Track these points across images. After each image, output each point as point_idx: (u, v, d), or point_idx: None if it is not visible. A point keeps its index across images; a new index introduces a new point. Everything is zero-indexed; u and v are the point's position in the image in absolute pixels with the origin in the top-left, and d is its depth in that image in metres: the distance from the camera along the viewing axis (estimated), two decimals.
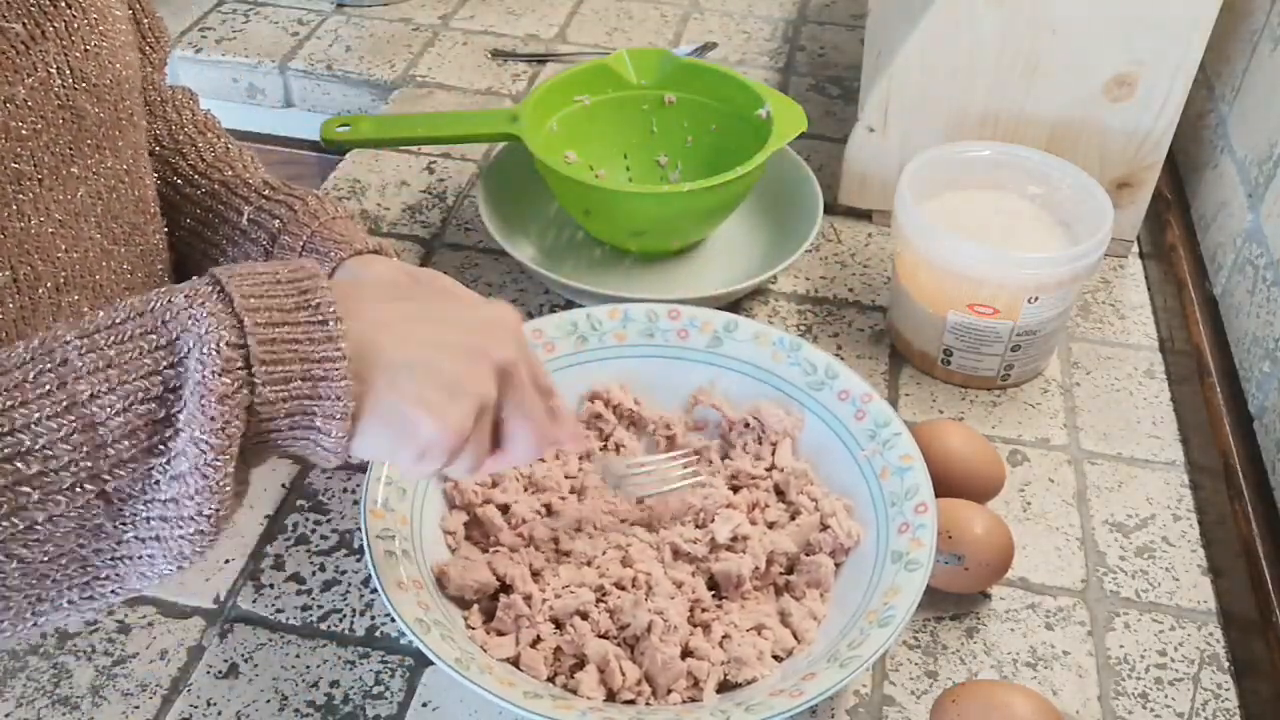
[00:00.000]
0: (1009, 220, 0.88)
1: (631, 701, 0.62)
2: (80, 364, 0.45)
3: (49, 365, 0.45)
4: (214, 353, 0.45)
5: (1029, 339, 0.84)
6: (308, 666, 0.67)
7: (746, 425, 0.76)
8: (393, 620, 0.70)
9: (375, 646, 0.69)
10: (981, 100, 0.94)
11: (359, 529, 0.75)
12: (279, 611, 0.70)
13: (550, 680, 0.63)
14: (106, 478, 0.45)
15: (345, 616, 0.70)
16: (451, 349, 0.52)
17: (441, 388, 0.51)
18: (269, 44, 1.28)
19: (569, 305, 0.92)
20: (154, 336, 0.46)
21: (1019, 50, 0.91)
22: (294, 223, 0.72)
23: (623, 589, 0.66)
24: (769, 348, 0.77)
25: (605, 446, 0.75)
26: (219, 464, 0.46)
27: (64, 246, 0.63)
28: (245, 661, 0.68)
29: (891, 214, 0.86)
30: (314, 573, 0.73)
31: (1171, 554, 0.76)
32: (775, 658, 0.65)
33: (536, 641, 0.64)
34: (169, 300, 0.47)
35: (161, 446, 0.46)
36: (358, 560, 0.74)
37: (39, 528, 0.45)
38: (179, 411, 0.46)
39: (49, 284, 0.63)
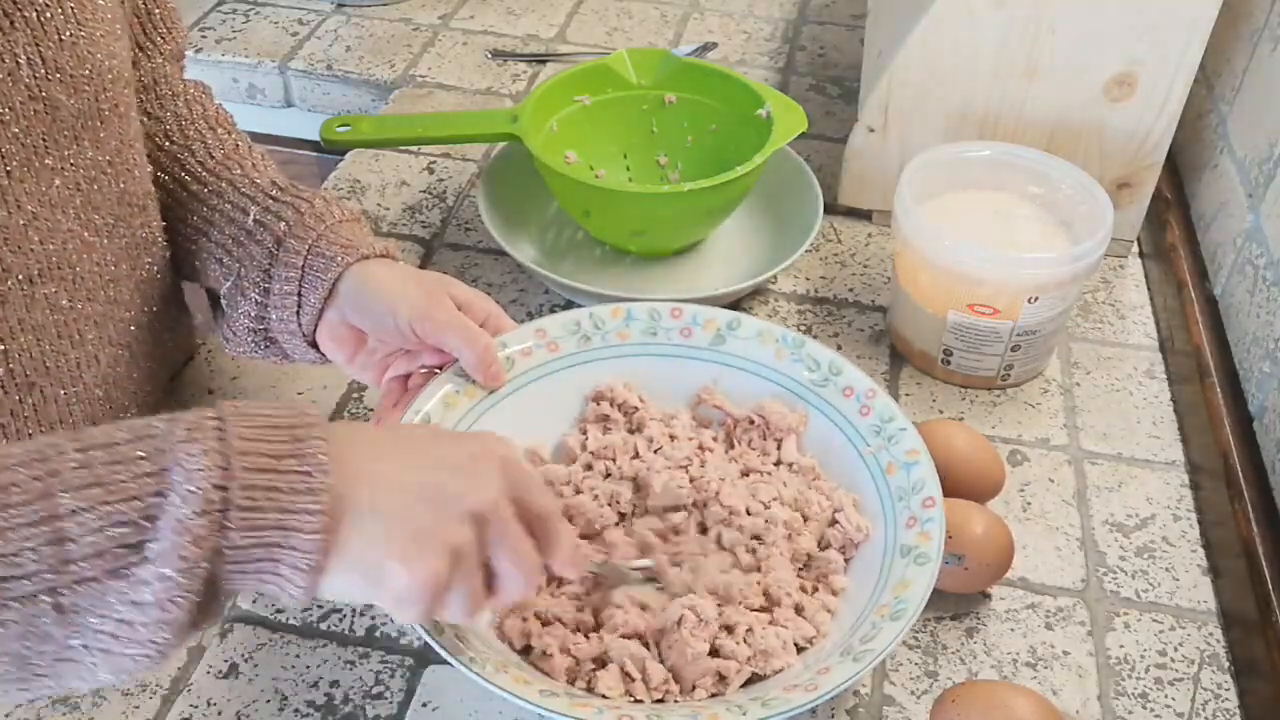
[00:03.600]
0: (1009, 220, 0.88)
1: (660, 701, 0.62)
2: (70, 478, 0.46)
3: (39, 473, 0.46)
4: (197, 493, 0.46)
5: (1029, 339, 0.84)
6: (308, 666, 0.67)
7: (751, 422, 0.76)
8: (393, 620, 0.70)
9: (375, 646, 0.69)
10: (981, 100, 0.94)
11: None
12: (279, 611, 0.70)
13: (570, 682, 0.63)
14: (64, 592, 0.45)
15: (345, 616, 0.70)
16: (425, 499, 0.52)
17: (410, 537, 0.51)
18: (269, 44, 1.28)
19: (569, 305, 0.92)
20: (146, 463, 0.46)
21: (1019, 50, 0.91)
22: (300, 226, 0.71)
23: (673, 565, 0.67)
24: (772, 345, 0.77)
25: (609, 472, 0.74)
26: (182, 601, 0.47)
27: (38, 238, 0.63)
28: (245, 661, 0.68)
29: (891, 214, 0.86)
30: None
31: (1171, 554, 0.76)
32: (796, 646, 0.65)
33: (560, 647, 0.64)
34: (169, 430, 0.48)
35: (124, 572, 0.46)
36: None
37: None
38: (150, 542, 0.46)
39: (19, 276, 0.62)
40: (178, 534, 0.46)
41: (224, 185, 0.75)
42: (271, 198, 0.73)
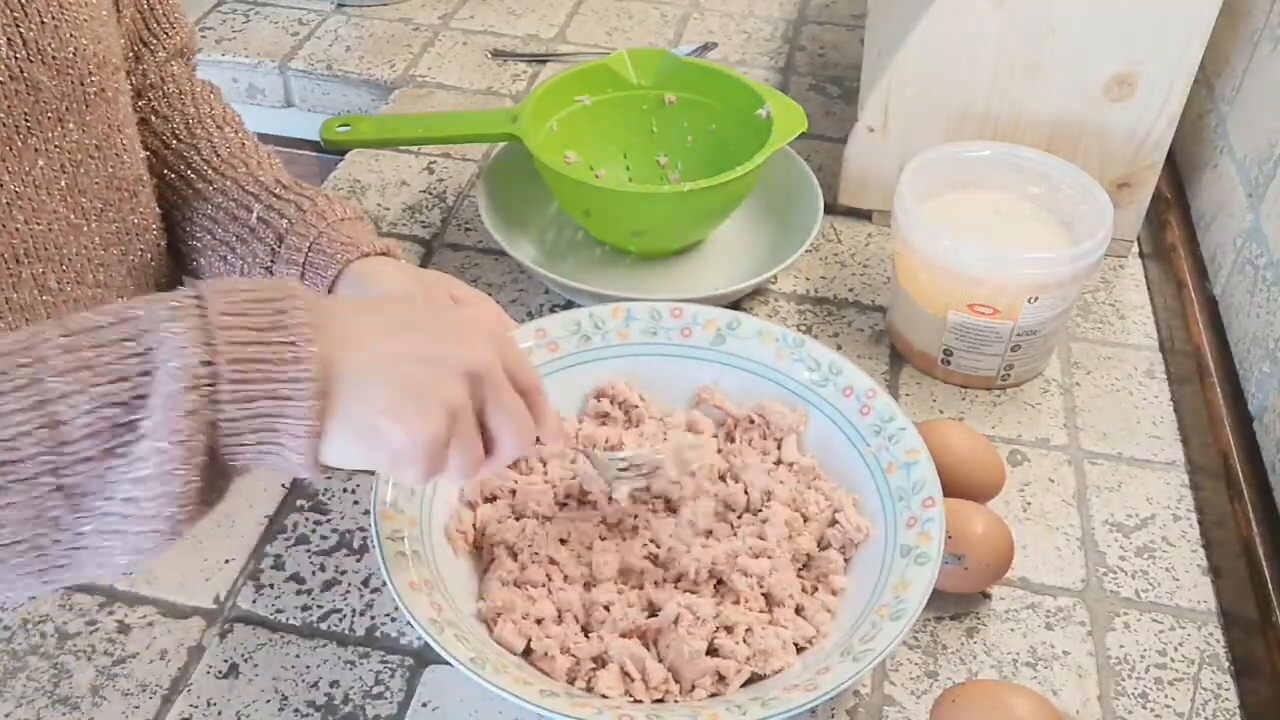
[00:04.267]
0: (1009, 220, 0.88)
1: (660, 700, 0.62)
2: (56, 363, 0.47)
3: (27, 361, 0.47)
4: (183, 369, 0.47)
5: (1029, 339, 0.84)
6: (308, 666, 0.67)
7: (751, 422, 0.76)
8: (393, 620, 0.70)
9: (375, 646, 0.69)
10: (981, 100, 0.94)
11: (359, 529, 0.75)
12: (279, 611, 0.70)
13: (570, 682, 0.63)
14: (65, 474, 0.46)
15: (345, 616, 0.70)
16: (418, 358, 0.53)
17: (407, 396, 0.52)
18: (269, 44, 1.28)
19: (569, 305, 0.92)
20: (131, 344, 0.47)
21: (1019, 50, 0.91)
22: (301, 223, 0.72)
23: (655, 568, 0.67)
24: (773, 345, 0.77)
25: (604, 444, 0.75)
26: (180, 473, 0.48)
27: (22, 218, 0.63)
28: (245, 661, 0.68)
29: (891, 214, 0.86)
30: (314, 573, 0.73)
31: (1171, 554, 0.76)
32: (796, 646, 0.65)
33: (560, 648, 0.64)
34: (151, 311, 0.48)
35: (122, 449, 0.47)
36: (358, 560, 0.74)
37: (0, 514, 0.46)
38: (144, 419, 0.47)
39: (5, 254, 0.63)
40: (168, 409, 0.47)
41: (228, 183, 0.75)
42: (274, 195, 0.74)
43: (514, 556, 0.68)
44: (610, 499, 0.71)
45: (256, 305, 0.49)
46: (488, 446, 0.56)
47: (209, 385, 0.47)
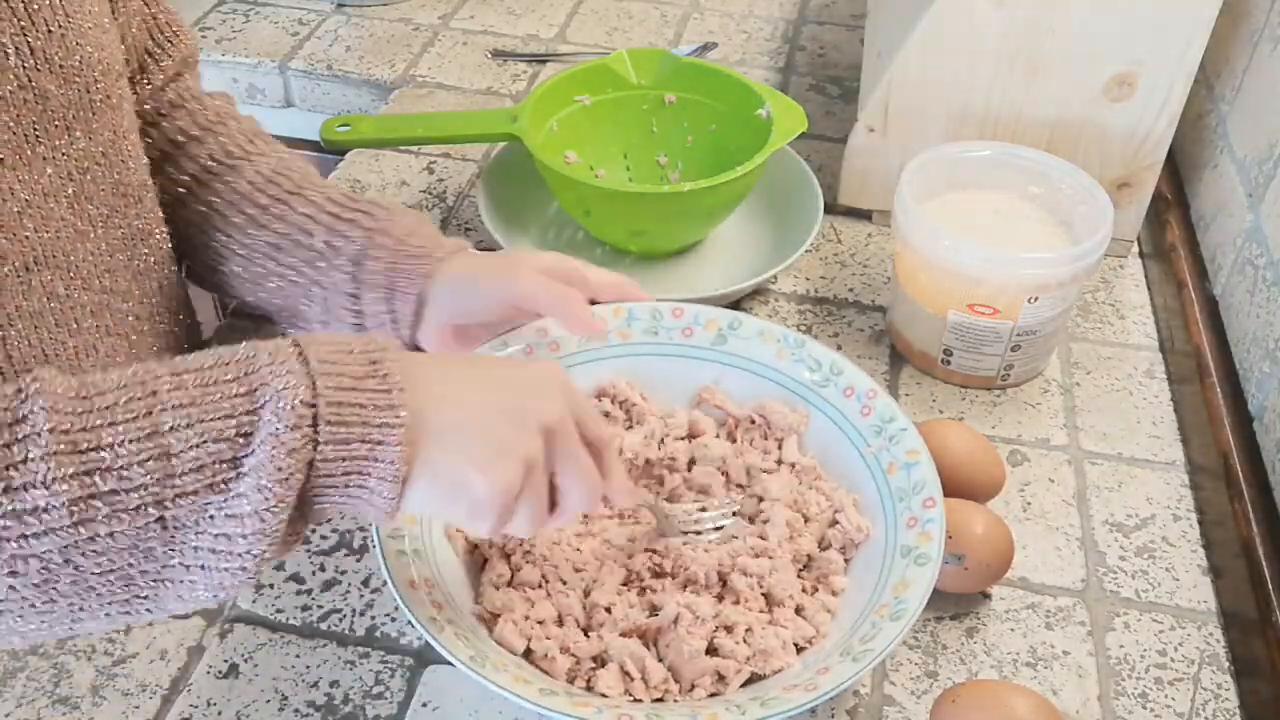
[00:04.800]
0: (1009, 220, 0.88)
1: (660, 700, 0.62)
2: (167, 398, 0.49)
3: (139, 394, 0.49)
4: (289, 409, 0.49)
5: (1029, 339, 0.84)
6: (308, 666, 0.67)
7: (752, 422, 0.76)
8: (393, 620, 0.70)
9: (375, 646, 0.69)
10: (981, 100, 0.94)
11: (359, 529, 0.75)
12: (279, 611, 0.70)
13: (570, 681, 0.63)
14: (169, 505, 0.48)
15: (345, 616, 0.70)
16: (500, 412, 0.56)
17: (489, 448, 0.54)
18: (269, 44, 1.28)
19: None
20: (236, 384, 0.50)
21: (1019, 50, 0.91)
22: (373, 246, 0.73)
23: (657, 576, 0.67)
24: (774, 345, 0.77)
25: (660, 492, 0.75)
26: (277, 511, 0.50)
27: (32, 226, 0.64)
28: (245, 661, 0.68)
29: (891, 214, 0.86)
30: (314, 573, 0.73)
31: (1171, 554, 0.76)
32: (796, 646, 0.65)
33: (559, 648, 0.64)
34: (253, 355, 0.51)
35: (223, 485, 0.49)
36: (358, 560, 0.74)
37: (99, 540, 0.47)
38: (246, 456, 0.49)
39: (15, 263, 0.63)
40: (273, 448, 0.49)
41: (283, 208, 0.76)
42: (331, 214, 0.75)
43: (507, 559, 0.68)
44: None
45: (351, 356, 0.52)
46: (554, 500, 0.58)
47: (311, 426, 0.50)
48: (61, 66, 0.63)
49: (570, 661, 0.63)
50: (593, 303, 0.76)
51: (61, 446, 0.46)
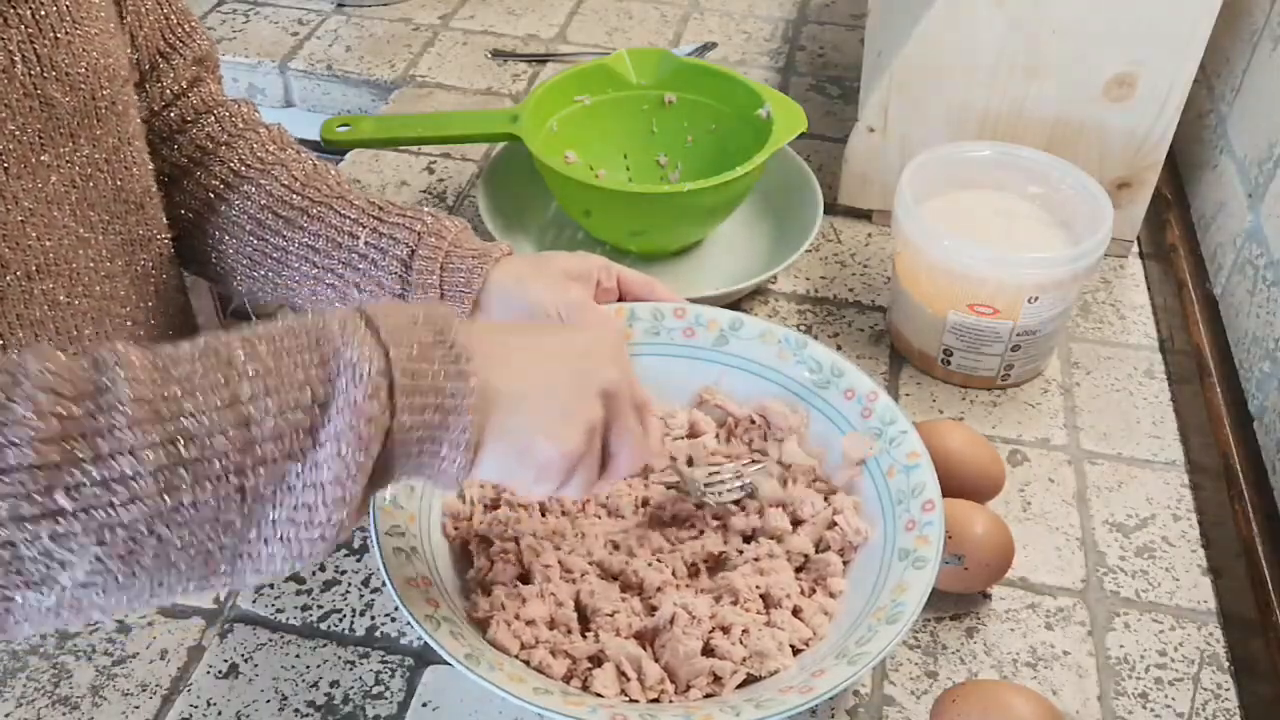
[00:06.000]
0: (1009, 220, 0.88)
1: (655, 700, 0.62)
2: (244, 368, 0.49)
3: (216, 363, 0.49)
4: (365, 377, 0.49)
5: (1029, 339, 0.84)
6: (308, 666, 0.67)
7: (752, 422, 0.76)
8: (393, 620, 0.70)
9: (375, 646, 0.69)
10: (981, 100, 0.94)
11: (359, 529, 0.75)
12: (279, 611, 0.70)
13: (566, 681, 0.63)
14: (249, 474, 0.48)
15: (345, 616, 0.70)
16: (562, 378, 0.57)
17: (555, 413, 0.55)
18: (269, 44, 1.28)
19: None
20: (310, 354, 0.50)
21: (1019, 50, 0.91)
22: (424, 246, 0.74)
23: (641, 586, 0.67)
24: (775, 345, 0.77)
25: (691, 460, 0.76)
26: (356, 477, 0.49)
27: (35, 234, 0.64)
28: (245, 661, 0.68)
29: (891, 214, 0.86)
30: (314, 573, 0.73)
31: (1171, 554, 0.76)
32: (792, 648, 0.65)
33: (553, 649, 0.64)
34: (323, 325, 0.51)
35: (302, 454, 0.49)
36: (358, 560, 0.74)
37: (183, 510, 0.47)
38: (324, 425, 0.49)
39: (18, 271, 0.63)
40: (352, 416, 0.48)
41: (322, 209, 0.76)
42: (375, 218, 0.75)
43: (489, 561, 0.68)
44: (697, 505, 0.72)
45: (418, 326, 0.52)
46: (605, 461, 0.59)
47: (387, 395, 0.50)
48: (68, 74, 0.63)
49: (567, 662, 0.63)
50: (621, 298, 0.79)
51: (145, 414, 0.46)
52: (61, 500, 0.45)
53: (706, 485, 0.71)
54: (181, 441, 0.47)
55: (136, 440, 0.46)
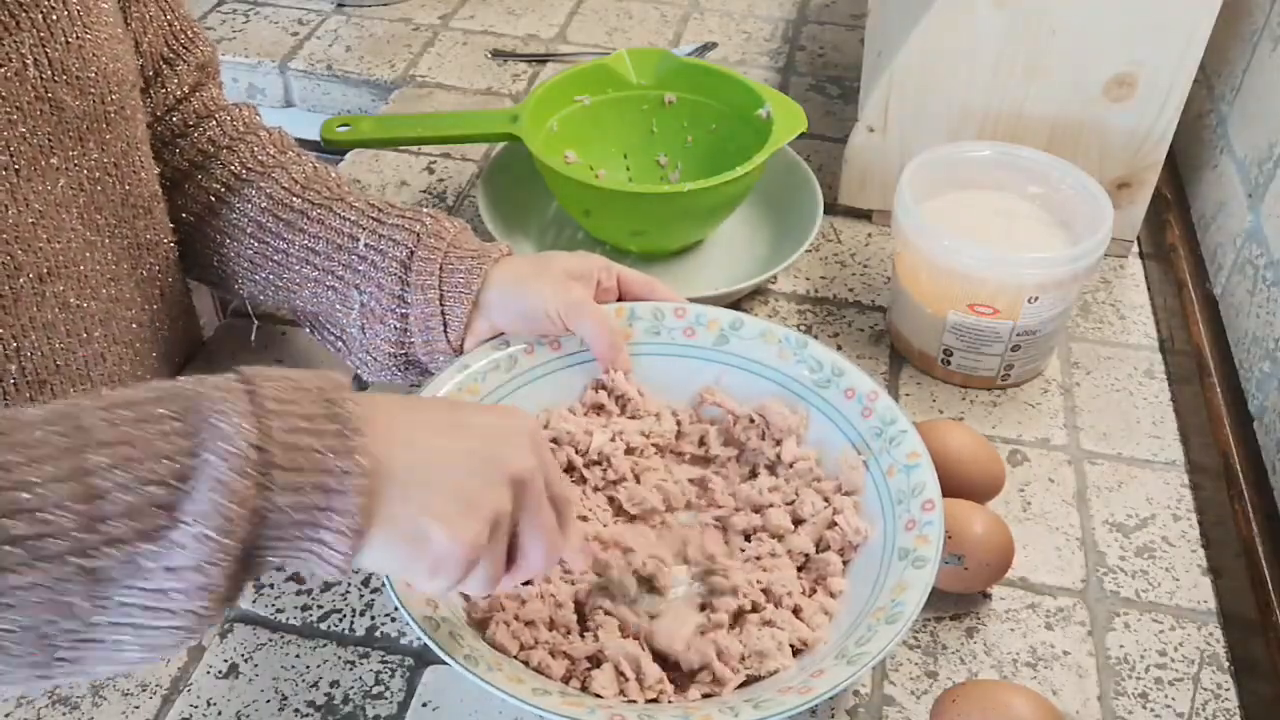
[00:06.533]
0: (1009, 220, 0.88)
1: (654, 700, 0.62)
2: (97, 435, 0.44)
3: (65, 429, 0.44)
4: (236, 452, 0.44)
5: (1029, 339, 0.84)
6: (308, 666, 0.67)
7: (751, 421, 0.76)
8: (393, 620, 0.70)
9: (375, 646, 0.69)
10: (981, 100, 0.94)
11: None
12: (279, 611, 0.70)
13: (565, 681, 0.63)
14: (94, 554, 0.43)
15: (345, 616, 0.70)
16: (467, 460, 0.51)
17: (455, 499, 0.50)
18: (269, 44, 1.28)
19: None
20: (177, 423, 0.45)
21: (1019, 50, 0.91)
22: (423, 247, 0.73)
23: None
24: (775, 345, 0.77)
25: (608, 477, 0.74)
26: (220, 563, 0.45)
27: (45, 237, 0.64)
28: (245, 661, 0.68)
29: (891, 214, 0.86)
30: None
31: (1171, 554, 0.76)
32: (792, 648, 0.65)
33: (552, 650, 0.64)
34: (197, 390, 0.46)
35: (157, 534, 0.44)
36: None
37: (14, 593, 0.42)
38: (183, 502, 0.44)
39: (30, 274, 0.63)
40: (217, 493, 0.44)
41: (322, 211, 0.75)
42: (374, 220, 0.74)
43: None
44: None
45: (305, 393, 0.48)
46: (511, 556, 0.55)
47: (260, 472, 0.45)
48: (78, 78, 0.63)
49: (566, 662, 0.63)
50: (621, 298, 0.78)
51: None
52: None
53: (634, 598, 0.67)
54: (14, 515, 0.42)
55: None
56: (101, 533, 0.43)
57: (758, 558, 0.69)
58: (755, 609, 0.66)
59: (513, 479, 0.52)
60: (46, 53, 0.61)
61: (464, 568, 0.51)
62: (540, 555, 0.55)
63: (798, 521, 0.71)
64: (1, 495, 0.42)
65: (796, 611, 0.67)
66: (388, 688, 0.67)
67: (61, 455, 0.43)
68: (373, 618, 0.70)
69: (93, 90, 0.65)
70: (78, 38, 0.63)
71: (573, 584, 0.67)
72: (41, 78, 0.61)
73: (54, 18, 0.62)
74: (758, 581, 0.67)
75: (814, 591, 0.68)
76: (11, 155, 0.60)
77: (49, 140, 0.63)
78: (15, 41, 0.60)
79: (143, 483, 0.44)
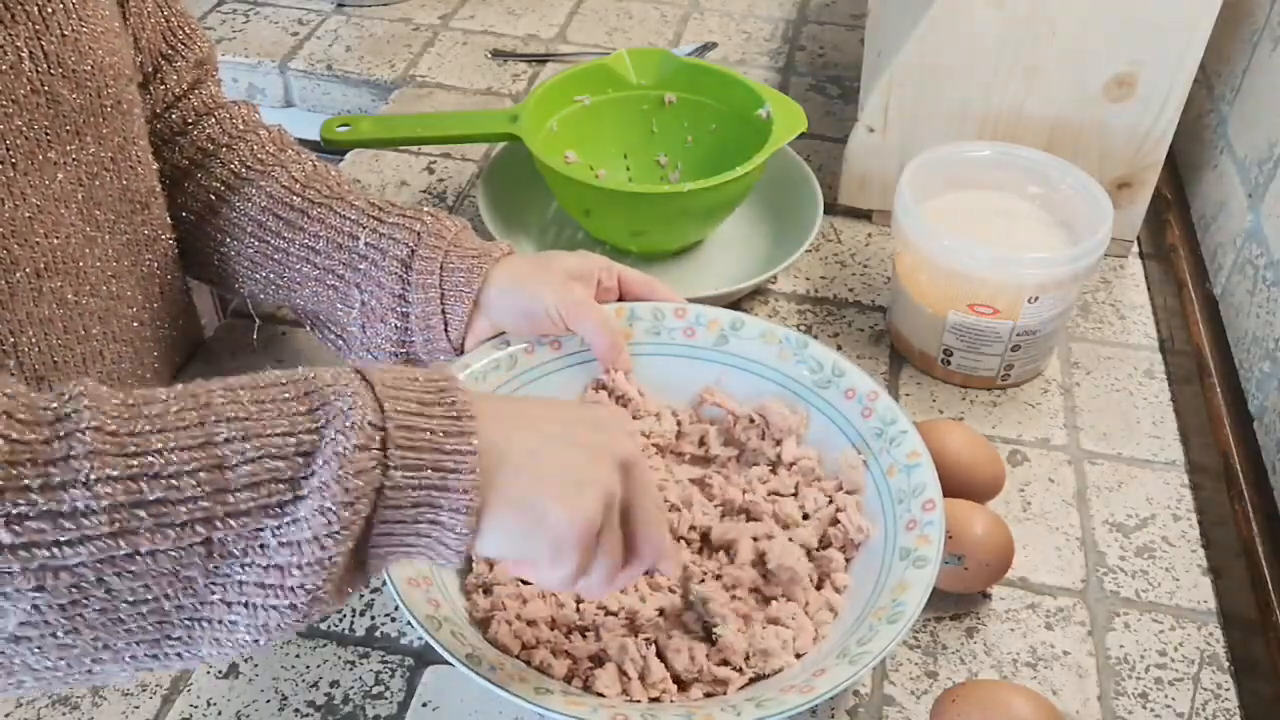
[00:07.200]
0: (1009, 220, 0.88)
1: (656, 700, 0.62)
2: (223, 410, 0.45)
3: (192, 404, 0.45)
4: (356, 428, 0.46)
5: (1029, 339, 0.84)
6: (308, 666, 0.67)
7: (751, 421, 0.76)
8: (393, 620, 0.70)
9: (375, 646, 0.69)
10: (981, 100, 0.94)
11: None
12: None
13: (568, 681, 0.63)
14: (218, 525, 0.44)
15: (345, 616, 0.70)
16: (576, 443, 0.53)
17: (568, 478, 0.51)
18: (269, 44, 1.28)
19: None
20: (296, 403, 0.46)
21: (1019, 50, 0.91)
22: (424, 246, 0.73)
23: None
24: (776, 345, 0.77)
25: None
26: (340, 538, 0.45)
27: (43, 232, 0.63)
28: (245, 661, 0.68)
29: (891, 214, 0.86)
30: None
31: (1171, 554, 0.76)
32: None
33: (554, 649, 0.64)
34: (312, 375, 0.48)
35: (279, 509, 0.45)
36: None
37: (138, 559, 0.43)
38: (307, 477, 0.45)
39: (28, 269, 0.63)
40: (339, 467, 0.45)
41: (322, 210, 0.75)
42: (375, 219, 0.74)
43: (490, 561, 0.68)
44: None
45: (417, 383, 0.49)
46: (628, 548, 0.55)
47: (379, 449, 0.46)
48: (74, 71, 0.63)
49: (568, 661, 0.63)
50: (621, 297, 0.78)
51: (107, 446, 0.42)
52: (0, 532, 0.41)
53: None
54: (144, 479, 0.42)
55: (93, 472, 0.42)
56: (226, 503, 0.44)
57: (764, 540, 0.69)
58: (767, 599, 0.66)
59: (621, 462, 0.53)
60: (42, 45, 0.61)
61: (582, 552, 0.51)
62: (653, 544, 0.55)
63: (803, 516, 0.71)
64: (134, 460, 0.43)
65: (805, 606, 0.67)
66: (388, 688, 0.67)
67: (190, 427, 0.44)
68: (373, 618, 0.70)
69: (89, 84, 0.65)
70: (73, 31, 0.63)
71: (672, 590, 0.67)
72: (37, 71, 0.61)
73: (49, 10, 0.62)
74: (765, 572, 0.67)
75: (821, 585, 0.68)
76: (8, 149, 0.60)
77: (46, 134, 0.63)
78: (10, 34, 0.60)
79: (268, 456, 0.45)
